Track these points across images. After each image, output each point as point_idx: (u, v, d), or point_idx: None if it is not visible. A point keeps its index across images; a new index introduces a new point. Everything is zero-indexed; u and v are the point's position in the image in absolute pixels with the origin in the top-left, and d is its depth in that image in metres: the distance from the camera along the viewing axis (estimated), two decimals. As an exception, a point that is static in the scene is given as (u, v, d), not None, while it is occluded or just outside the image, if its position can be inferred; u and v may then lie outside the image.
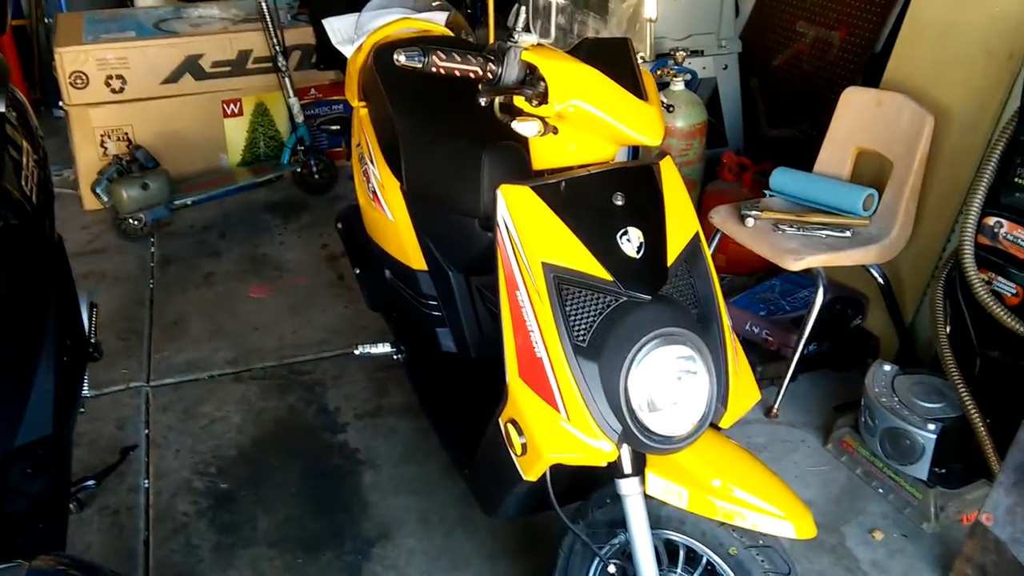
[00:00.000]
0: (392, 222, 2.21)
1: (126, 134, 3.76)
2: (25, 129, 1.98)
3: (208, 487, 2.38)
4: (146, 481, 2.39)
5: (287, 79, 3.72)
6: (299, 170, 3.89)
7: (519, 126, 1.51)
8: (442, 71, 1.49)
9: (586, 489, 1.68)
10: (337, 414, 2.63)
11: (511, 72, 1.50)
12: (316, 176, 3.91)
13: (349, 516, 2.26)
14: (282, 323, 3.09)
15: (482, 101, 1.50)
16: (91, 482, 1.98)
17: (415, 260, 2.18)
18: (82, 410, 1.97)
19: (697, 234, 1.57)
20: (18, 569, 1.12)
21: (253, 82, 3.92)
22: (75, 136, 3.77)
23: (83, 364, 2.07)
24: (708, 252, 1.59)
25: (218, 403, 2.70)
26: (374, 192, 2.28)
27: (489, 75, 1.49)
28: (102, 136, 3.75)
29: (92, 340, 2.13)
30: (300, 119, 3.79)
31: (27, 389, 1.78)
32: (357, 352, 2.39)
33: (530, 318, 1.49)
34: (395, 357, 2.36)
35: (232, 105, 3.92)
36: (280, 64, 3.69)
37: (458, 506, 2.25)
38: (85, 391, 2.02)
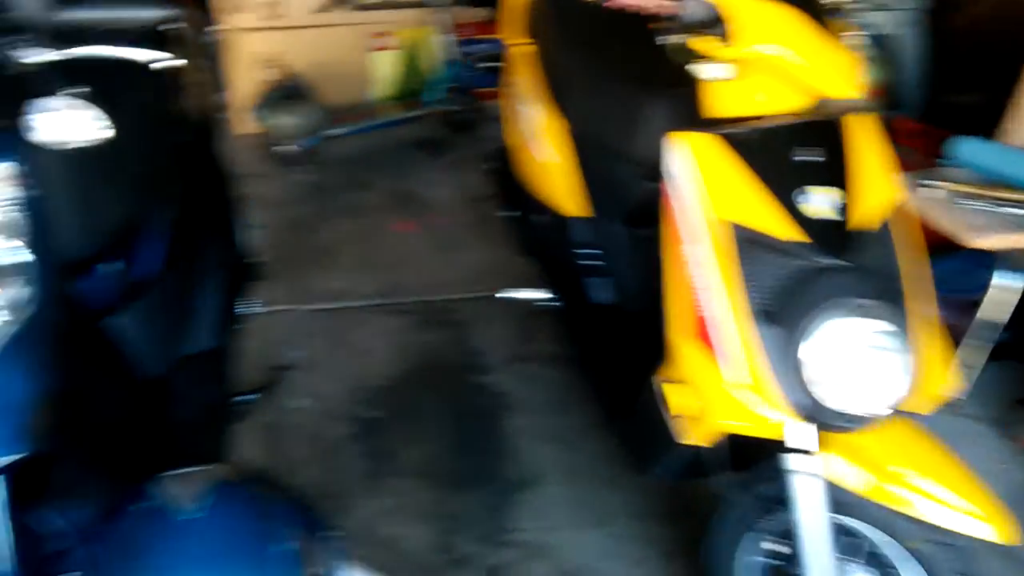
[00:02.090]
0: (549, 165, 2.17)
1: (281, 61, 3.82)
2: (198, 50, 2.02)
3: (359, 414, 2.43)
4: (299, 402, 2.46)
5: (442, 15, 3.70)
6: (447, 108, 3.88)
7: (703, 69, 1.42)
8: (625, 6, 1.42)
9: (747, 459, 1.62)
10: (483, 356, 2.64)
11: (695, 10, 1.41)
12: (463, 115, 3.90)
13: (493, 458, 2.28)
14: (426, 260, 3.12)
15: (663, 40, 1.42)
16: (252, 395, 2.04)
17: (570, 205, 2.13)
18: (242, 327, 2.03)
19: (899, 201, 1.47)
20: (210, 472, 1.15)
21: (405, 16, 3.91)
22: (229, 60, 3.84)
23: (246, 283, 2.13)
24: (911, 222, 1.50)
25: (366, 333, 2.75)
26: (532, 133, 2.24)
27: (673, 12, 1.41)
28: (256, 62, 3.82)
29: (255, 261, 2.18)
30: (451, 56, 3.77)
31: (196, 303, 1.84)
32: (499, 295, 2.38)
33: (703, 276, 1.42)
34: (539, 303, 2.33)
35: (382, 39, 3.92)
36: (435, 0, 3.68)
37: (606, 461, 2.23)
38: (246, 309, 2.08)
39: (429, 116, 3.92)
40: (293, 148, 3.61)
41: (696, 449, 1.50)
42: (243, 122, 3.77)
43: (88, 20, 1.03)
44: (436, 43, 3.83)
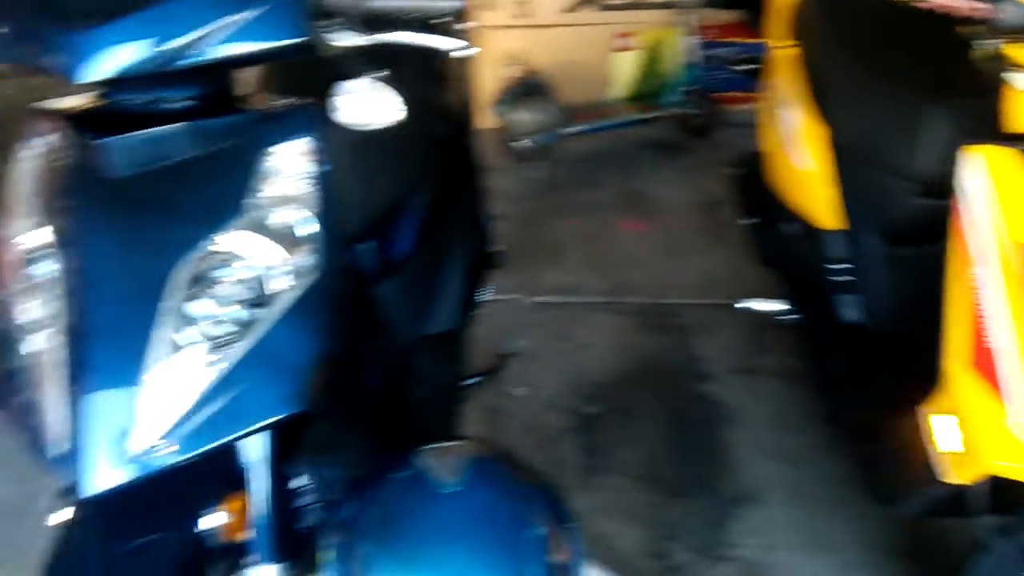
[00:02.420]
0: (804, 173, 2.08)
1: (524, 58, 3.92)
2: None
3: (577, 408, 2.45)
4: (519, 389, 2.51)
5: (688, 17, 3.66)
6: (684, 111, 3.83)
7: (1019, 78, 1.30)
8: (934, 7, 1.32)
9: (1011, 503, 1.48)
10: (706, 363, 2.58)
11: (1014, 14, 1.29)
12: (700, 119, 3.83)
13: (713, 469, 2.22)
14: (655, 262, 3.09)
15: (977, 45, 1.31)
16: (476, 379, 2.11)
17: (825, 217, 2.03)
18: (477, 312, 2.10)
19: None
20: (467, 447, 1.19)
21: (650, 17, 3.89)
22: (478, 55, 3.98)
23: (485, 270, 2.20)
24: None
25: (589, 329, 2.77)
26: (789, 139, 2.15)
27: (987, 16, 1.30)
28: (501, 58, 3.94)
29: (495, 250, 2.25)
30: (693, 59, 3.72)
31: (440, 285, 1.91)
32: (738, 305, 2.31)
33: (991, 303, 1.31)
34: (778, 317, 2.25)
35: (625, 39, 3.93)
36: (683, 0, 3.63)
37: (838, 486, 2.11)
38: (482, 295, 2.15)
39: (665, 118, 3.88)
40: (529, 144, 3.70)
41: (956, 487, 1.39)
42: (483, 116, 3.90)
43: (395, 8, 1.10)
44: (679, 45, 3.79)
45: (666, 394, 2.48)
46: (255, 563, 1.17)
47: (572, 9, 3.89)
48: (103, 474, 1.01)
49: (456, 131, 2.07)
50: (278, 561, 1.18)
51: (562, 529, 1.03)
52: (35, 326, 1.11)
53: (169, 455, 1.03)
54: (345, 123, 1.09)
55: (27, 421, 1.09)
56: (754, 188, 2.38)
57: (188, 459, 1.04)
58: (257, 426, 1.07)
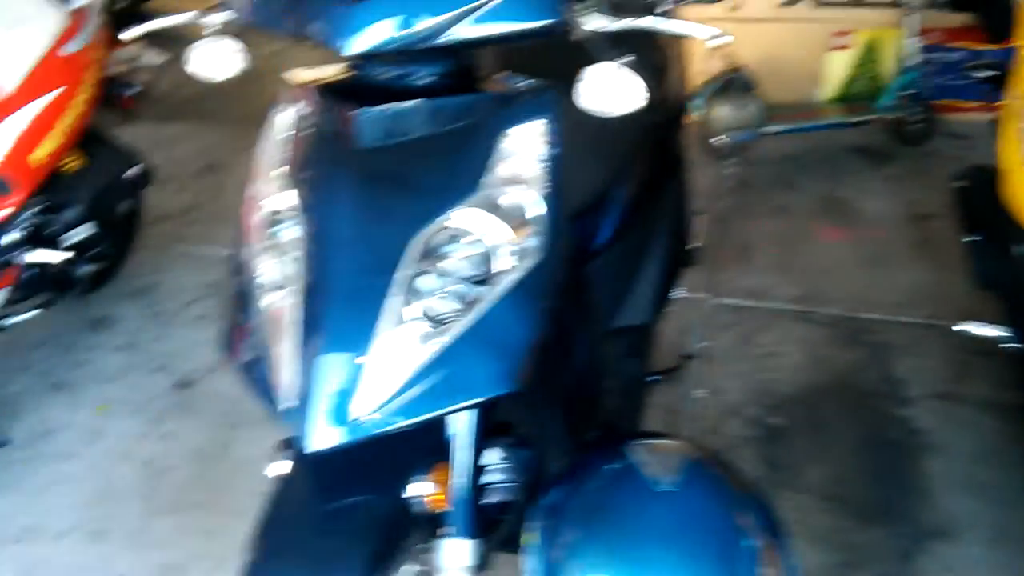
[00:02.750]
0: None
1: (730, 53, 3.80)
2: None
3: (760, 417, 2.36)
4: (700, 392, 2.45)
5: (911, 18, 3.44)
6: (898, 115, 3.61)
7: None
8: None
9: None
10: (905, 386, 2.43)
11: None
12: (915, 125, 3.60)
13: (906, 499, 2.09)
14: (853, 273, 2.93)
15: None
16: (658, 376, 2.06)
17: None
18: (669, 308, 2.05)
19: None
20: (683, 446, 1.16)
21: (869, 16, 3.69)
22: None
23: (681, 267, 2.15)
24: None
25: (777, 337, 2.67)
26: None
27: None
28: (706, 52, 3.84)
29: (693, 247, 2.19)
30: (913, 62, 3.49)
31: (637, 278, 1.88)
32: (956, 328, 2.15)
33: None
34: (1002, 345, 2.08)
35: (842, 38, 3.74)
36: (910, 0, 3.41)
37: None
38: (676, 292, 2.10)
39: (876, 122, 3.67)
40: (727, 141, 3.59)
41: None
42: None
43: None
44: (899, 46, 3.57)
45: (859, 414, 2.35)
46: (449, 535, 1.20)
47: (789, 4, 3.74)
48: (325, 433, 1.06)
49: (669, 122, 2.03)
50: (471, 536, 1.21)
51: (777, 543, 0.99)
52: (274, 285, 1.18)
53: (386, 421, 1.06)
54: (587, 108, 1.09)
55: (259, 373, 1.15)
56: (981, 204, 2.20)
57: (402, 427, 1.07)
58: (471, 403, 1.09)
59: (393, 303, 1.07)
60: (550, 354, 1.19)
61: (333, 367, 1.06)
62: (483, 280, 1.11)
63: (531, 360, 1.11)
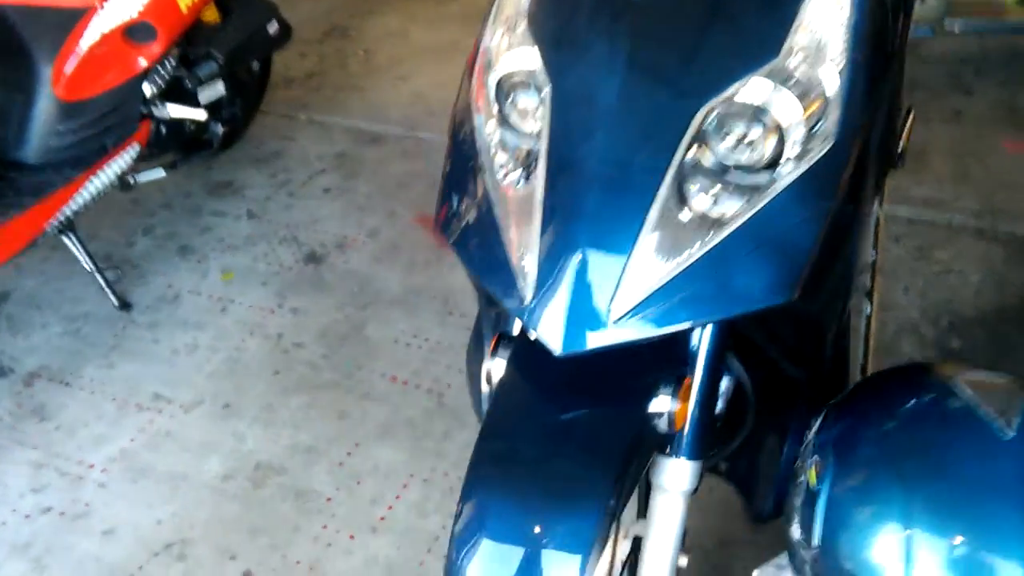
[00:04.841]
0: None
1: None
2: None
3: (937, 338, 2.14)
4: (869, 307, 2.23)
5: None
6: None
7: None
8: None
9: None
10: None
11: None
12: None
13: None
14: (1041, 190, 2.64)
15: None
16: None
17: None
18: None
19: None
20: (1012, 384, 0.97)
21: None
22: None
23: (887, 167, 1.91)
24: None
25: (955, 254, 2.40)
26: None
27: None
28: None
29: (900, 146, 1.94)
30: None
31: None
32: None
33: None
34: None
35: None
36: None
37: None
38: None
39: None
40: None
41: None
42: None
43: None
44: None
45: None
46: (674, 455, 1.08)
47: None
48: (577, 335, 0.92)
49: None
50: (696, 457, 1.08)
51: None
52: (508, 160, 1.01)
53: (646, 326, 0.92)
54: None
55: (488, 260, 1.01)
56: None
57: (663, 335, 0.93)
58: (743, 311, 0.93)
59: (664, 191, 0.92)
60: (827, 262, 1.01)
61: (589, 262, 0.92)
62: (766, 167, 0.94)
63: (810, 267, 0.94)
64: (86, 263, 2.30)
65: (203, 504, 1.90)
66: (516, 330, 1.16)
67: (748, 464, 1.39)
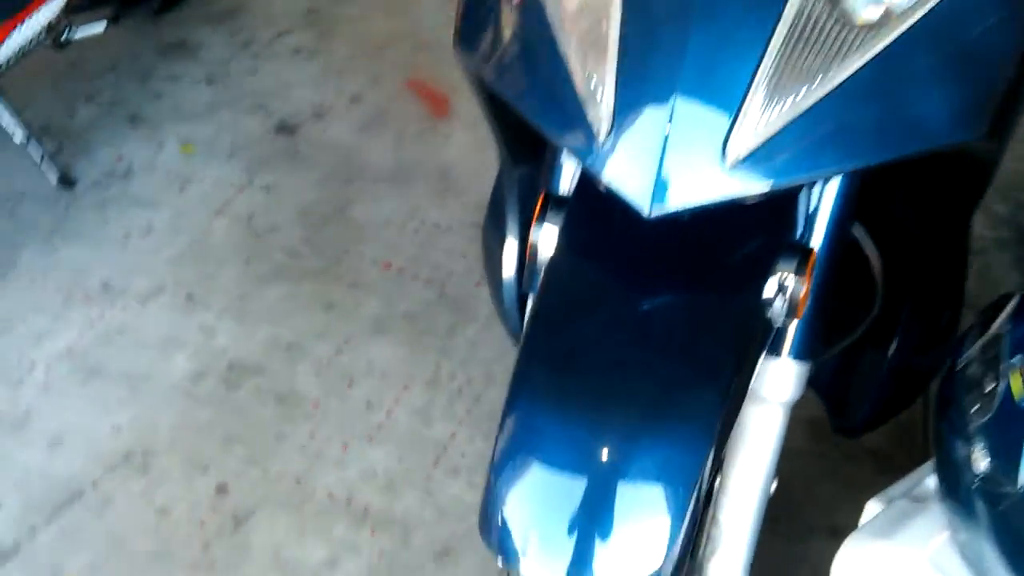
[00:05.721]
0: None
1: None
2: None
3: (1012, 216, 1.90)
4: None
5: None
6: None
7: None
8: None
9: None
10: None
11: None
12: None
13: None
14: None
15: None
16: None
17: None
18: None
19: None
20: None
21: None
22: None
23: None
24: None
25: None
26: None
27: None
28: None
29: None
30: None
31: None
32: None
33: None
34: None
35: None
36: None
37: None
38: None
39: None
40: None
41: None
42: None
43: None
44: None
45: None
46: (777, 353, 0.85)
47: None
48: (671, 186, 0.70)
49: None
50: (809, 357, 0.86)
51: None
52: None
53: (776, 174, 0.70)
54: None
55: (538, 82, 0.78)
56: None
57: (798, 183, 0.73)
58: (913, 151, 0.72)
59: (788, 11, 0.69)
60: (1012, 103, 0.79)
61: (694, 81, 0.69)
62: None
63: (1005, 91, 0.75)
64: (18, 132, 1.95)
65: (168, 409, 1.63)
66: (567, 187, 0.87)
67: (842, 366, 1.15)
